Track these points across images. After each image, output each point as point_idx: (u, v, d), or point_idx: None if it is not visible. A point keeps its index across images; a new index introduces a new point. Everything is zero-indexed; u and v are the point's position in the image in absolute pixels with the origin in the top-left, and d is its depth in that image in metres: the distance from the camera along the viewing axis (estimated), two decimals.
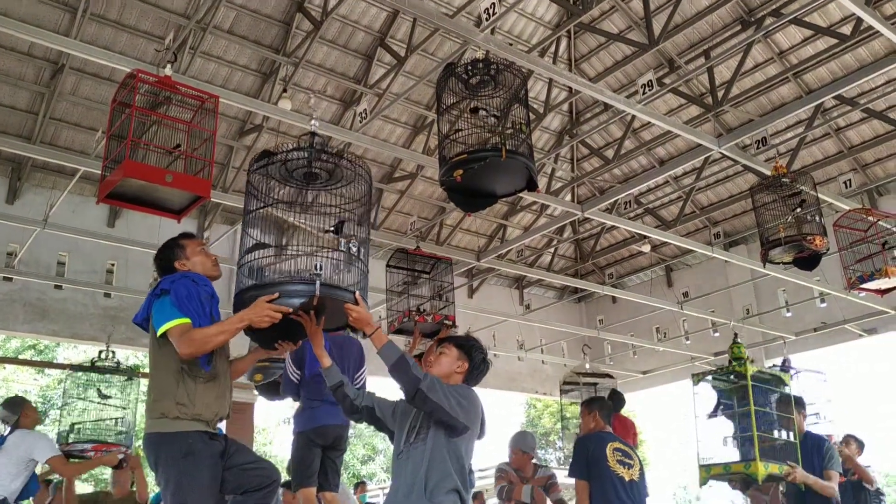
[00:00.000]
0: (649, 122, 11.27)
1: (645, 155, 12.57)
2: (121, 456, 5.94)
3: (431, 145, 11.13)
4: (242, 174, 11.04)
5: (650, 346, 13.72)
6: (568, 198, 13.23)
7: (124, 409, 6.64)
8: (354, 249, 3.09)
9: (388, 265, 7.95)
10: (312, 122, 3.38)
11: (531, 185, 4.63)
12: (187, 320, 2.99)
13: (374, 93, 10.39)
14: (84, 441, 6.12)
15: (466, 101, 4.80)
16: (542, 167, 12.27)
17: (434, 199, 12.70)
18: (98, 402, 6.54)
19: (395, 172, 12.19)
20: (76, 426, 6.31)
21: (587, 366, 9.71)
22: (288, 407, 25.95)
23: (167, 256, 3.29)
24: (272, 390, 5.29)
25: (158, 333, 3.01)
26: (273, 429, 25.63)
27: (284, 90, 9.72)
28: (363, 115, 7.28)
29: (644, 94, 7.01)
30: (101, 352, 6.72)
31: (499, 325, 13.20)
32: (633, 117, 10.94)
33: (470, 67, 4.64)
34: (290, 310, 2.95)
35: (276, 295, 2.93)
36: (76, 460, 5.97)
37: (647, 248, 12.86)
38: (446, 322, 7.39)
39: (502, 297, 14.65)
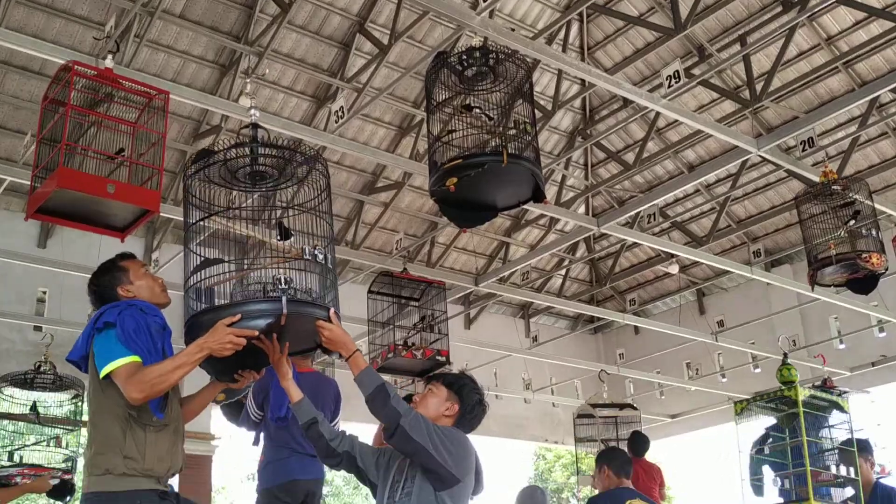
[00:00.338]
0: (676, 121, 11.35)
1: (671, 159, 12.63)
2: (54, 481, 5.93)
3: (420, 149, 11.17)
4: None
5: (680, 384, 13.71)
6: (581, 210, 13.25)
7: (70, 429, 6.59)
8: (321, 257, 3.10)
9: (370, 291, 7.96)
10: (252, 111, 3.37)
11: (538, 196, 4.64)
12: (136, 358, 2.96)
13: (352, 87, 10.44)
14: (11, 466, 6.10)
15: (461, 96, 4.82)
16: (551, 174, 12.32)
17: (424, 212, 12.72)
18: (34, 423, 6.50)
19: (377, 181, 12.22)
20: (14, 452, 6.28)
21: (605, 395, 9.68)
22: (251, 460, 25.82)
23: (106, 282, 3.25)
24: (237, 412, 5.31)
25: (102, 375, 2.98)
26: (234, 486, 25.48)
27: (245, 84, 9.75)
28: (339, 113, 7.31)
29: (669, 87, 7.06)
30: (37, 364, 6.66)
31: (501, 361, 13.19)
32: (657, 115, 11.00)
33: (465, 57, 4.65)
34: (256, 333, 2.95)
35: (238, 317, 2.92)
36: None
37: (674, 270, 12.88)
38: (439, 358, 7.38)
39: (505, 327, 14.65)
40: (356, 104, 9.68)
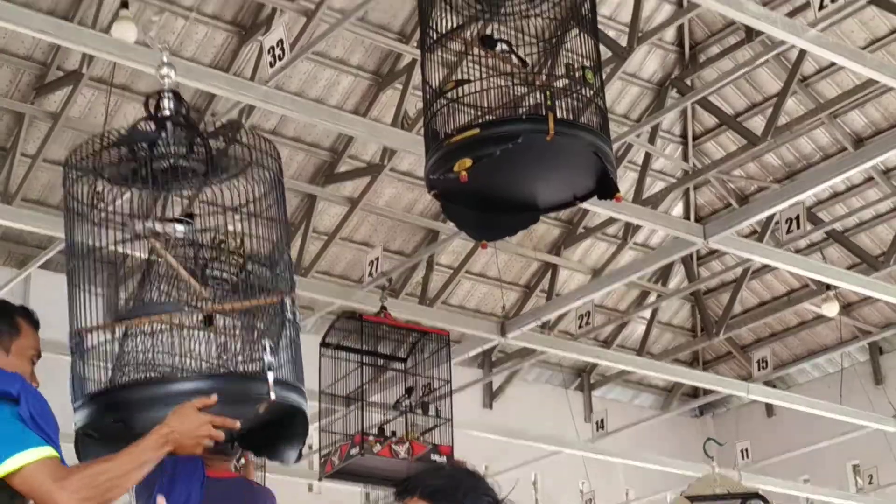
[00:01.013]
0: (832, 65, 11.34)
1: (825, 127, 12.63)
2: None
3: (411, 110, 11.18)
4: (42, 170, 11.10)
5: (844, 501, 13.65)
6: (678, 211, 13.26)
7: None
8: (296, 315, 3.48)
9: (323, 343, 7.96)
10: (165, 70, 3.52)
11: (605, 188, 4.65)
12: (55, 454, 3.09)
13: (297, 9, 10.47)
14: None
15: (478, 24, 4.84)
16: (627, 151, 12.33)
17: (416, 214, 12.72)
18: None
19: (339, 163, 12.24)
20: None
21: (715, 474, 9.58)
22: None
23: None
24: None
25: (2, 472, 3.06)
26: None
27: (124, 3, 9.78)
28: (276, 52, 7.33)
29: (822, 7, 7.07)
30: None
31: (545, 462, 13.16)
32: (802, 55, 11.02)
33: None
34: (238, 425, 3.25)
35: (214, 398, 3.20)
36: None
37: (832, 311, 12.86)
38: (436, 457, 7.38)
39: (551, 406, 14.63)
40: (303, 37, 9.72)
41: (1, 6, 7.11)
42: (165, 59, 3.53)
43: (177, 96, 3.48)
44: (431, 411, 7.72)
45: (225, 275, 3.71)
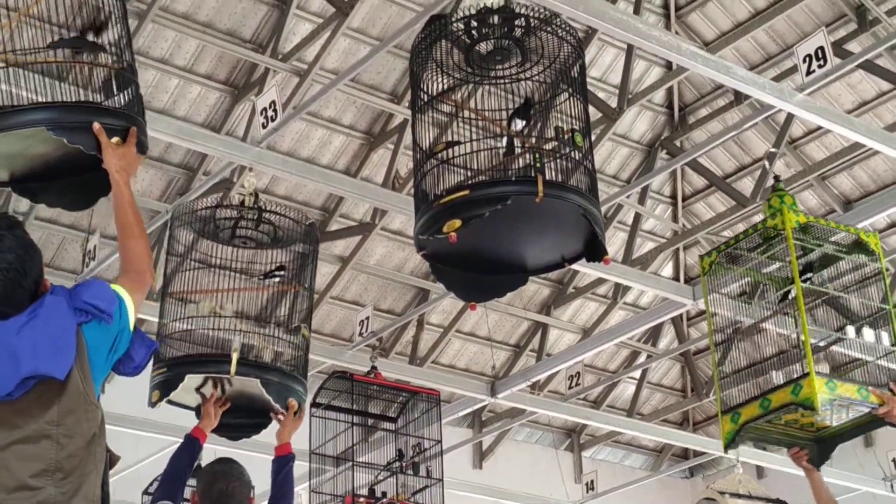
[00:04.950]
0: (820, 128, 11.38)
1: (813, 190, 12.66)
2: None
3: (402, 170, 11.20)
4: None
5: None
6: (667, 271, 13.26)
7: None
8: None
9: (314, 404, 7.93)
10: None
11: (594, 250, 4.66)
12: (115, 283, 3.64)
13: (290, 70, 10.51)
14: None
15: (470, 86, 4.86)
16: (616, 212, 12.34)
17: (406, 273, 12.71)
18: None
19: (329, 222, 12.24)
20: None
21: (739, 478, 9.53)
22: None
23: (39, 272, 3.52)
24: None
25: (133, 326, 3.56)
26: None
27: None
28: (268, 113, 7.35)
29: (809, 72, 7.11)
30: None
31: None
32: (790, 118, 11.08)
33: (475, 23, 4.70)
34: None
35: (134, 130, 3.82)
36: None
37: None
38: None
39: (541, 466, 14.57)
40: (294, 97, 9.75)
41: None
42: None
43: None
44: (422, 472, 7.70)
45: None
